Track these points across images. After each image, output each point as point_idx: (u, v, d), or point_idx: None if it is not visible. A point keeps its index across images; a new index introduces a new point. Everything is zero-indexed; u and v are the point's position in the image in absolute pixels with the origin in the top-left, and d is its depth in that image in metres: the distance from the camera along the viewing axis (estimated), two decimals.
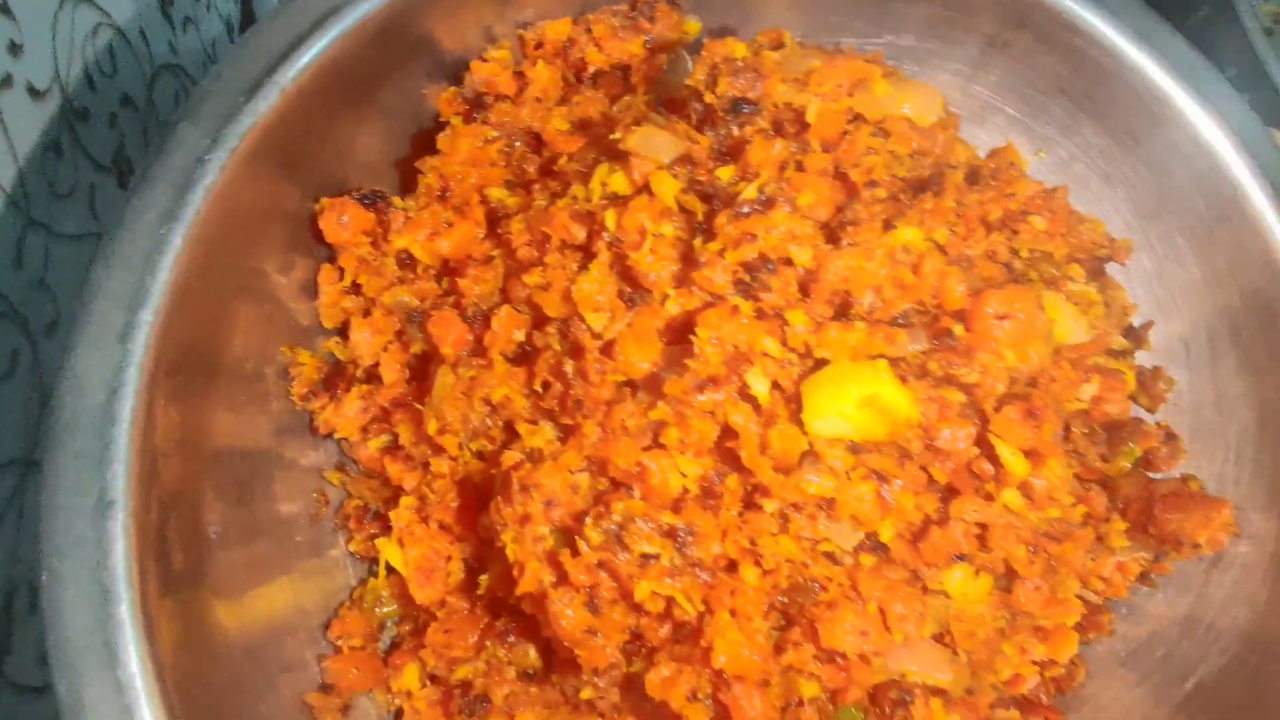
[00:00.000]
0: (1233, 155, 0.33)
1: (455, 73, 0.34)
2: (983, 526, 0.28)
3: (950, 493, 0.28)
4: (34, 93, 0.34)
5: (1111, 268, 0.36)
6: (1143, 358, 0.38)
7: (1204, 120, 0.32)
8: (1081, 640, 0.36)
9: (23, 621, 0.32)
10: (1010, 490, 0.27)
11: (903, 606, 0.27)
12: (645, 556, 0.25)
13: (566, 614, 0.25)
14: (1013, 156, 0.35)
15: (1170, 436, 0.36)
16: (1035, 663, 0.34)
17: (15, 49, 0.33)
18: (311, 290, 0.32)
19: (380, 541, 0.31)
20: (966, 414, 0.27)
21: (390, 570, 0.32)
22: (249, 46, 0.29)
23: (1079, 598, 0.34)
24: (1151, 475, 0.36)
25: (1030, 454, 0.27)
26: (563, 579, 0.26)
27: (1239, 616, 0.33)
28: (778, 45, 0.30)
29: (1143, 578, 0.36)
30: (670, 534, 0.25)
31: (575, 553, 0.25)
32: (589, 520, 0.25)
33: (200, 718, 0.25)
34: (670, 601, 0.26)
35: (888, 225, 0.27)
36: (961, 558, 0.27)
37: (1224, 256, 0.35)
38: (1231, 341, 0.36)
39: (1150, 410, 0.37)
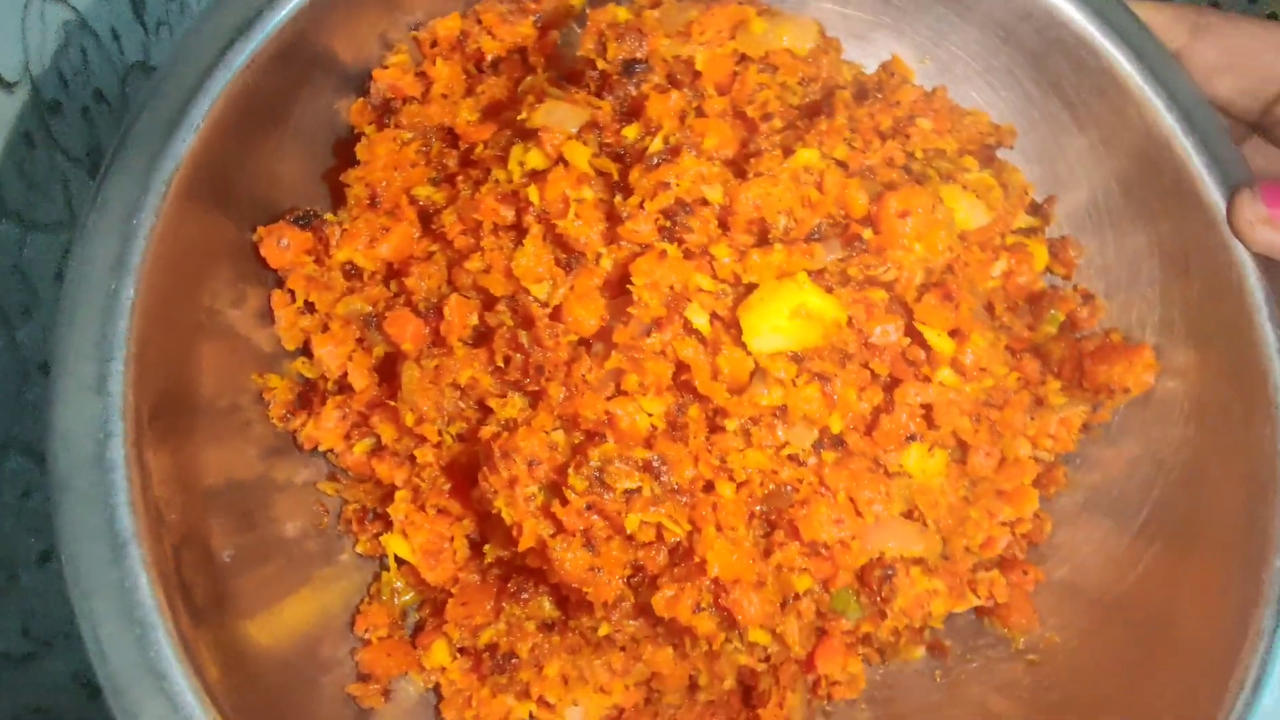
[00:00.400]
0: (1097, 30, 0.36)
1: (361, 83, 0.35)
2: (927, 407, 0.31)
3: (893, 382, 0.31)
4: (4, 84, 0.36)
5: (1007, 153, 0.39)
6: (1055, 231, 0.41)
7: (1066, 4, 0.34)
8: (1042, 496, 0.39)
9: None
10: (943, 369, 0.30)
11: (869, 491, 0.30)
12: (628, 492, 0.27)
13: (569, 558, 0.27)
14: (898, 68, 0.38)
15: (1088, 297, 0.39)
16: (1004, 524, 0.37)
17: None
18: (267, 316, 0.34)
19: (385, 538, 0.33)
20: (892, 309, 0.30)
21: (400, 562, 0.34)
22: (158, 88, 0.30)
23: (1033, 458, 0.37)
24: (1078, 335, 0.39)
25: (954, 333, 0.30)
26: (559, 528, 0.28)
27: (1174, 441, 0.36)
28: (656, 4, 0.32)
29: (1085, 429, 0.39)
30: (646, 468, 0.27)
31: (564, 502, 0.27)
32: (571, 471, 0.27)
33: None
34: (660, 528, 0.28)
35: (788, 151, 0.29)
36: (913, 438, 0.30)
37: (1106, 126, 0.38)
38: (1126, 200, 0.38)
39: (1066, 277, 0.40)
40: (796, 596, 0.30)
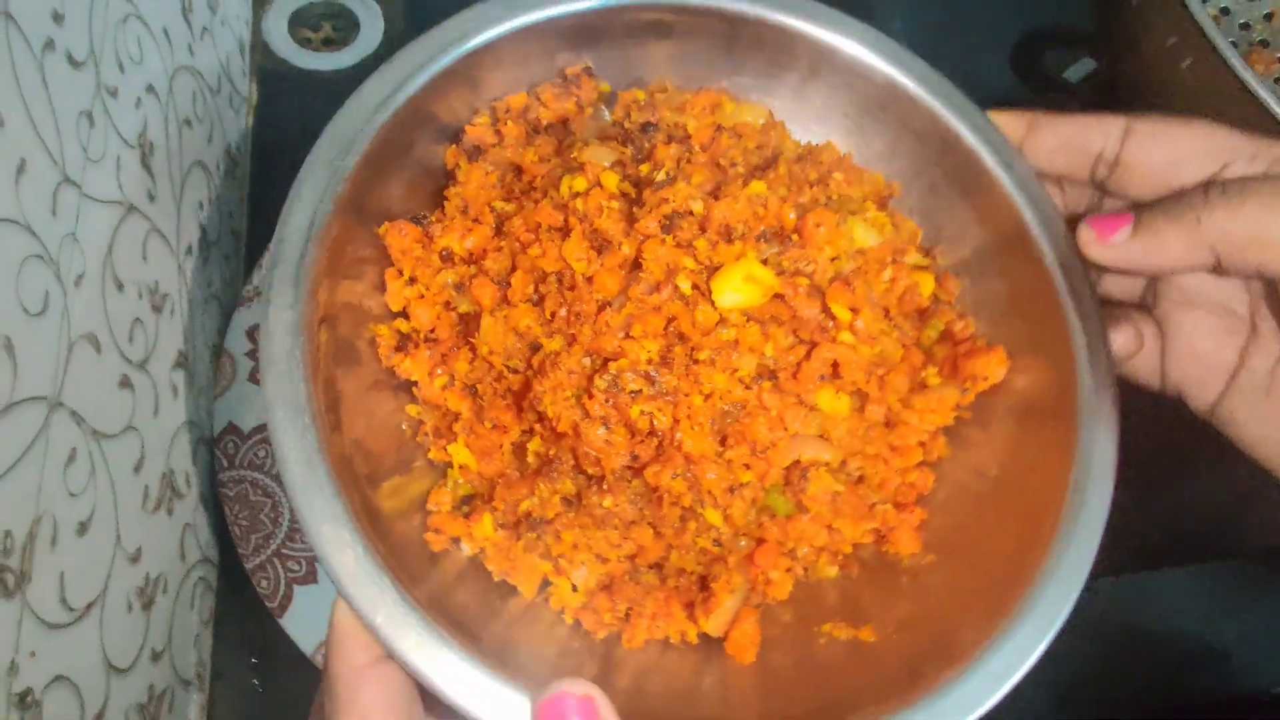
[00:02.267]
0: (966, 130, 0.52)
1: (453, 136, 0.51)
2: (836, 364, 0.45)
3: (813, 345, 0.45)
4: (73, 61, 0.44)
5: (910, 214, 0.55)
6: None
7: (924, 102, 0.51)
8: (927, 460, 0.53)
9: (45, 553, 0.41)
10: (845, 332, 0.44)
11: (792, 414, 0.43)
12: (633, 392, 0.41)
13: (593, 434, 0.41)
14: (829, 149, 0.54)
15: (961, 315, 0.54)
16: (895, 470, 0.51)
17: (58, 17, 0.42)
18: (381, 288, 0.48)
19: (450, 446, 0.46)
20: (812, 292, 0.44)
21: (462, 467, 0.47)
22: (324, 144, 0.45)
23: (918, 426, 0.51)
24: (955, 342, 0.54)
25: (852, 309, 0.44)
26: (586, 414, 0.41)
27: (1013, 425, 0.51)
28: (663, 90, 0.48)
29: (957, 409, 0.53)
30: (646, 377, 0.41)
31: (591, 396, 0.41)
32: (596, 377, 0.41)
33: (397, 562, 0.39)
34: (652, 419, 0.41)
35: (746, 184, 0.44)
36: (824, 378, 0.44)
37: (972, 206, 0.54)
38: (984, 254, 0.54)
39: (949, 302, 0.55)
40: (741, 485, 0.43)
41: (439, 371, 0.47)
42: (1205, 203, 0.42)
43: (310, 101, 0.81)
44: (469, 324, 0.46)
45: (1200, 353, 0.51)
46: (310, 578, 0.66)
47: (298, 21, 0.82)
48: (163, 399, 0.57)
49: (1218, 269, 0.44)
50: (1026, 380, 0.52)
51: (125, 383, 0.51)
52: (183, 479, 0.61)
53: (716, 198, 0.44)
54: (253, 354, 0.69)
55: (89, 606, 0.45)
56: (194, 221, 0.64)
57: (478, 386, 0.46)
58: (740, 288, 0.42)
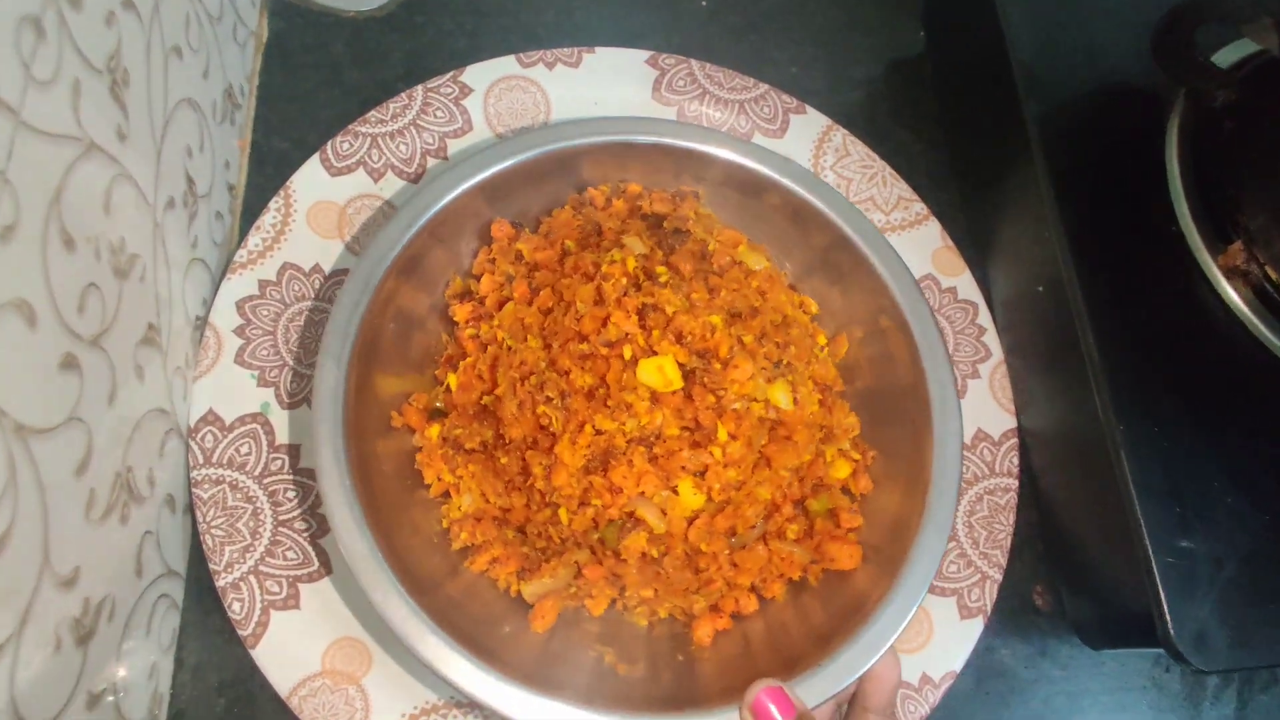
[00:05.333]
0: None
1: (581, 188, 0.69)
2: (706, 467, 0.58)
3: (695, 445, 0.58)
4: None
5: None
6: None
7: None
8: (759, 592, 0.63)
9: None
10: (716, 446, 0.57)
11: (649, 479, 0.57)
12: (548, 397, 0.57)
13: (509, 408, 0.58)
14: (809, 306, 0.67)
15: (855, 513, 0.64)
16: (726, 582, 0.62)
17: None
18: (475, 255, 0.68)
19: (450, 374, 0.65)
20: (715, 408, 0.58)
21: (447, 389, 0.65)
22: (391, 220, 0.65)
23: (764, 557, 0.62)
24: (834, 523, 0.64)
25: (732, 435, 0.57)
26: (513, 392, 0.58)
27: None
28: (703, 217, 0.65)
29: (804, 577, 0.63)
30: (562, 393, 0.57)
31: (523, 384, 0.58)
32: (533, 375, 0.58)
33: (358, 416, 0.58)
34: (550, 421, 0.57)
35: (716, 311, 0.59)
36: (685, 469, 0.57)
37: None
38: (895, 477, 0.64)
39: (854, 495, 0.66)
40: (588, 503, 0.58)
41: (472, 323, 0.65)
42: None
43: (328, 43, 0.73)
44: (503, 305, 0.65)
45: None
46: (291, 602, 0.56)
47: None
48: (122, 382, 0.48)
49: None
50: (865, 583, 0.61)
51: (70, 363, 0.41)
52: (144, 479, 0.52)
53: (688, 312, 0.59)
54: (242, 330, 0.61)
55: None
56: (178, 170, 0.56)
57: (487, 347, 0.64)
58: (653, 374, 0.57)
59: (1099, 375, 0.61)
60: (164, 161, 0.54)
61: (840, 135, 0.80)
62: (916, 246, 0.77)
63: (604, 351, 0.58)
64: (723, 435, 0.57)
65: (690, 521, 0.59)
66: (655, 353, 0.58)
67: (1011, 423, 0.74)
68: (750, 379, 0.57)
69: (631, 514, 0.58)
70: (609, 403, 0.57)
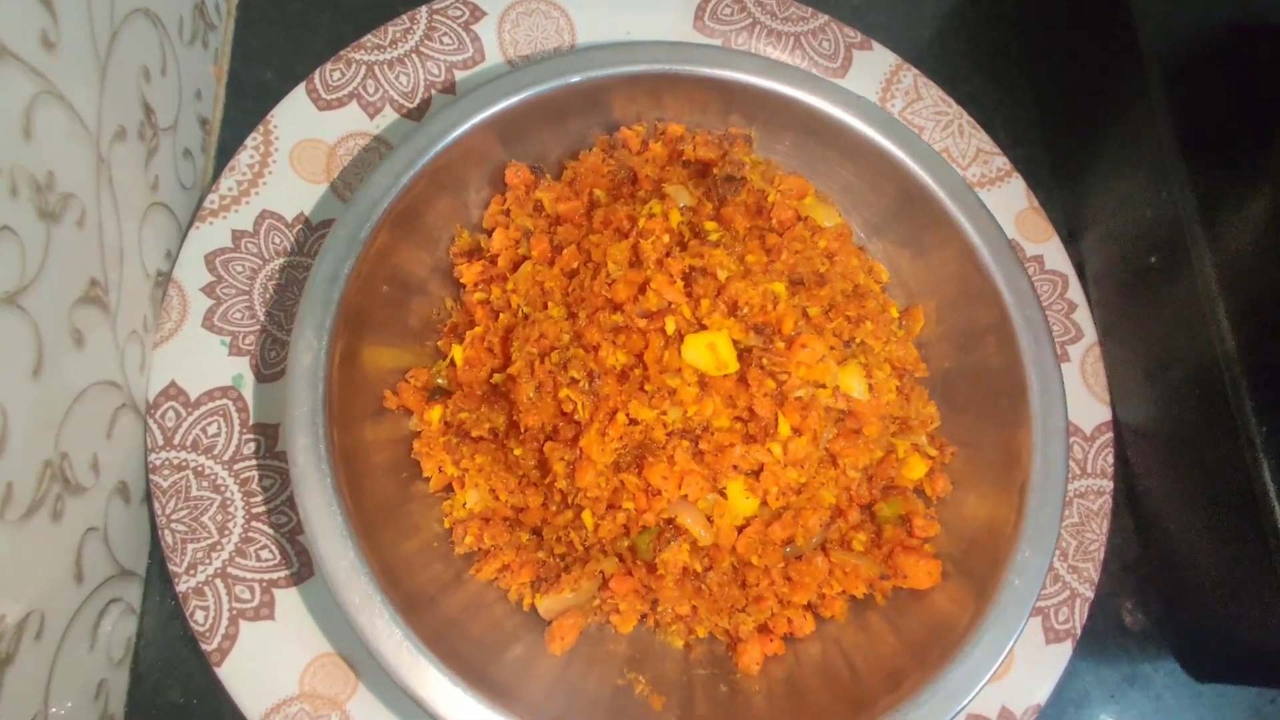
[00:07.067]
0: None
1: (611, 128, 0.59)
2: (761, 467, 0.48)
3: (750, 439, 0.48)
4: None
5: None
6: None
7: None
8: (816, 608, 0.54)
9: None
10: (775, 443, 0.47)
11: (693, 480, 0.47)
12: (573, 379, 0.47)
13: (525, 390, 0.48)
14: (914, 316, 0.56)
15: (931, 519, 0.54)
16: (779, 599, 0.52)
17: None
18: (485, 205, 0.57)
19: (455, 346, 0.55)
20: (775, 396, 0.48)
21: (451, 363, 0.55)
22: (514, 76, 0.55)
23: (826, 569, 0.52)
24: (908, 531, 0.54)
25: (795, 429, 0.47)
26: (531, 372, 0.48)
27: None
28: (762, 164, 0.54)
29: (870, 594, 0.53)
30: (589, 374, 0.47)
31: (542, 362, 0.48)
32: (555, 352, 0.48)
33: (343, 396, 0.48)
34: (574, 408, 0.47)
35: (773, 278, 0.49)
36: (737, 468, 0.47)
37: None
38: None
39: (929, 498, 0.56)
40: (619, 506, 0.48)
41: (481, 286, 0.55)
42: None
43: None
44: (519, 265, 0.54)
45: None
46: (264, 612, 0.48)
47: None
48: (52, 350, 0.40)
49: None
50: (947, 606, 0.51)
51: None
52: (84, 465, 0.44)
53: (743, 277, 0.48)
54: (212, 288, 0.52)
55: None
56: (132, 96, 0.47)
57: (499, 315, 0.54)
58: (702, 354, 0.46)
59: (1234, 366, 0.51)
60: (110, 82, 0.46)
61: (911, 76, 0.69)
62: (997, 208, 0.66)
63: (641, 324, 0.48)
64: (784, 429, 0.47)
65: (740, 530, 0.49)
66: (704, 327, 0.47)
67: (1106, 415, 0.63)
68: (820, 361, 0.47)
69: (670, 521, 0.48)
70: (646, 387, 0.47)
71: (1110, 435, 0.63)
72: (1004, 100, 0.74)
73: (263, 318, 0.57)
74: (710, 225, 0.50)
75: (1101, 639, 0.63)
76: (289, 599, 0.52)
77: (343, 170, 0.61)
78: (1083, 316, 0.65)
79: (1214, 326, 0.52)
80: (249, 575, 0.51)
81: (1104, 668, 0.63)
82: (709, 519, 0.48)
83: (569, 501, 0.49)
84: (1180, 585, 0.60)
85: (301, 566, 0.52)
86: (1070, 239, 0.67)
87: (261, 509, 0.53)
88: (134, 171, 0.49)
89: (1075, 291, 0.66)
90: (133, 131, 0.48)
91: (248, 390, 0.55)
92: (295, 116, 0.61)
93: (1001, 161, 0.68)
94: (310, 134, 0.61)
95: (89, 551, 0.45)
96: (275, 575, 0.52)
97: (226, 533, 0.51)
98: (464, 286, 0.56)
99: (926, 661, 0.47)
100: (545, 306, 0.51)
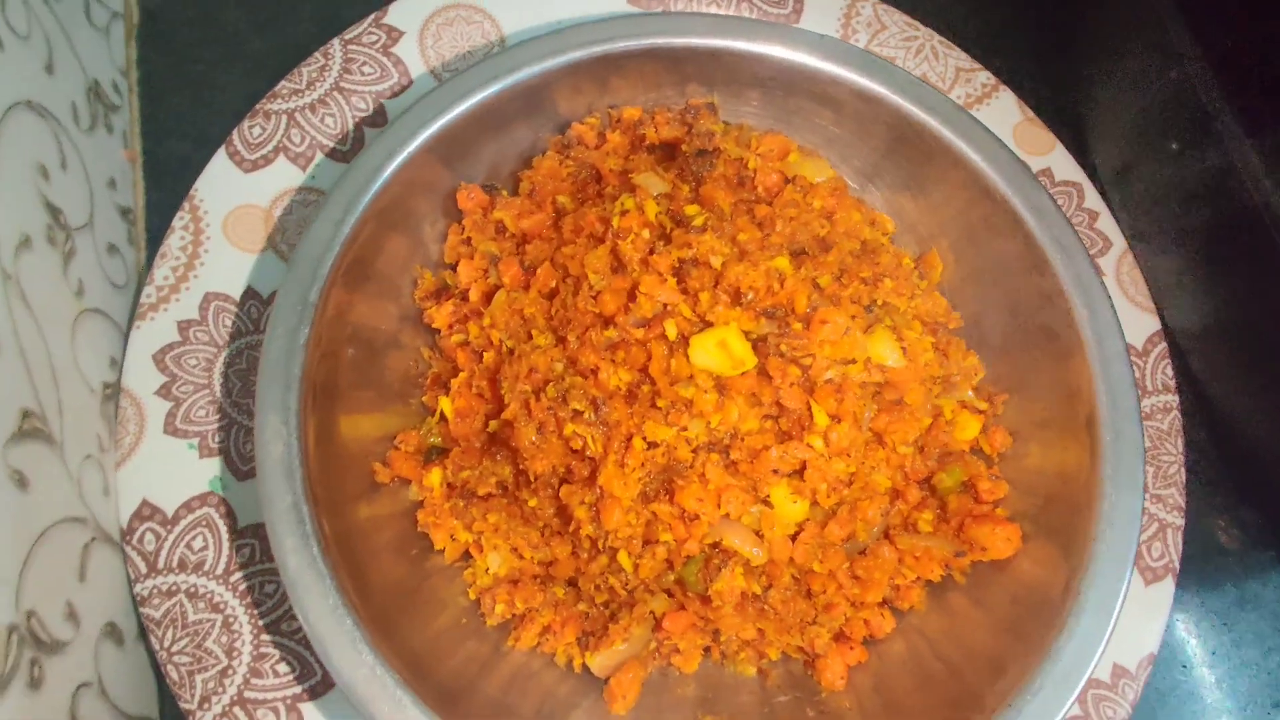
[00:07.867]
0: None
1: (562, 127, 0.53)
2: (803, 465, 0.43)
3: (785, 437, 0.43)
4: None
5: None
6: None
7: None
8: (893, 603, 0.48)
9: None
10: (814, 435, 0.42)
11: (732, 495, 0.42)
12: (576, 411, 0.42)
13: (526, 434, 0.42)
14: (932, 260, 0.51)
15: (997, 479, 0.49)
16: (850, 601, 0.47)
17: None
18: (443, 238, 0.52)
19: (441, 398, 0.49)
20: (803, 383, 0.42)
21: (441, 418, 0.50)
22: (443, 90, 0.49)
23: (895, 562, 0.47)
24: (975, 499, 0.49)
25: (833, 416, 0.42)
26: (529, 415, 0.43)
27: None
28: (738, 128, 0.48)
29: (947, 575, 0.48)
30: (593, 402, 0.42)
31: (538, 399, 0.42)
32: (550, 384, 0.42)
33: (327, 481, 0.43)
34: (584, 443, 0.42)
35: (773, 253, 0.43)
36: (777, 472, 0.42)
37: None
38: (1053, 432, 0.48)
39: (990, 456, 0.50)
40: (657, 541, 0.43)
41: (457, 327, 0.50)
42: None
43: (216, 11, 0.60)
44: (492, 296, 0.49)
45: None
46: None
47: None
48: None
49: None
50: (1036, 572, 0.46)
51: None
52: (58, 618, 0.39)
53: (740, 260, 0.43)
54: (167, 389, 0.47)
55: None
56: (30, 198, 0.44)
57: (483, 355, 0.49)
58: (712, 353, 0.41)
59: None
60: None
61: (869, 5, 0.63)
62: (991, 125, 0.61)
63: (638, 335, 0.42)
64: (820, 418, 0.42)
65: (794, 538, 0.43)
66: (709, 324, 0.42)
67: (1155, 324, 0.58)
68: (844, 335, 0.42)
69: (716, 545, 0.43)
70: (659, 403, 0.42)
71: (1164, 345, 0.57)
72: (973, 10, 0.68)
73: (229, 410, 0.52)
74: (692, 209, 0.45)
75: (1200, 567, 0.58)
76: (320, 711, 0.47)
77: (285, 233, 0.55)
78: (1107, 224, 0.60)
79: (1263, 203, 0.47)
80: (270, 695, 0.46)
81: (1210, 596, 0.57)
82: (758, 534, 0.43)
83: (600, 546, 0.43)
84: (1275, 488, 0.55)
85: (325, 673, 0.47)
86: (1076, 145, 0.62)
87: (270, 618, 0.48)
88: (50, 281, 0.45)
89: (1094, 199, 0.60)
90: (39, 238, 0.44)
91: (230, 492, 0.50)
92: (220, 185, 0.55)
93: (985, 76, 0.62)
94: (241, 200, 0.55)
95: (86, 711, 0.40)
96: (298, 689, 0.47)
97: (236, 654, 0.47)
98: (439, 331, 0.51)
99: (1028, 639, 0.42)
100: (530, 336, 0.46)
